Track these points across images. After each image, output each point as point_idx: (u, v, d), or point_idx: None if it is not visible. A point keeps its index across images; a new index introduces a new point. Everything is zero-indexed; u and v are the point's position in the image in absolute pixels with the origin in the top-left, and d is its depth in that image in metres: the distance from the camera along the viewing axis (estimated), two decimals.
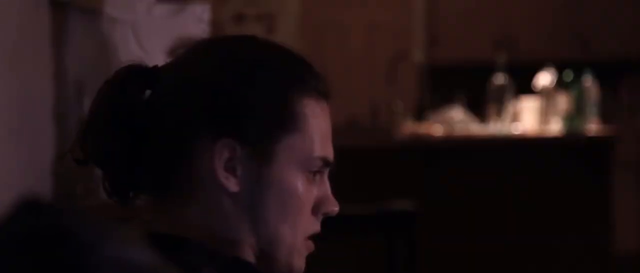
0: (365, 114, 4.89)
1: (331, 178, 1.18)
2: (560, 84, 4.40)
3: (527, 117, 4.48)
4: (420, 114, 4.65)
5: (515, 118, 4.47)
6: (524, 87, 4.61)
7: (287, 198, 1.12)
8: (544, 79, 4.46)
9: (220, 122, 1.10)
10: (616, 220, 4.42)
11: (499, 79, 4.39)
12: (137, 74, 1.14)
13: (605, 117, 4.90)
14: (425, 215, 4.00)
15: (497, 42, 6.45)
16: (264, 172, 1.11)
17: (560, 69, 4.49)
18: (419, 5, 6.63)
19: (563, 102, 4.35)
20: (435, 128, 4.48)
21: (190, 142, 1.10)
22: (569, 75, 4.41)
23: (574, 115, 4.32)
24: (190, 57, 1.16)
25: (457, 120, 4.50)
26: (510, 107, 4.40)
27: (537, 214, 4.28)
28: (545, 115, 4.42)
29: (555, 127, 4.39)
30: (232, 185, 1.10)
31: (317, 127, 1.17)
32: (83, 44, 2.42)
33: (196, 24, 2.12)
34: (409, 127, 4.48)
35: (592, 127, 4.44)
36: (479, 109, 4.81)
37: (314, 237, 1.17)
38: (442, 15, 6.65)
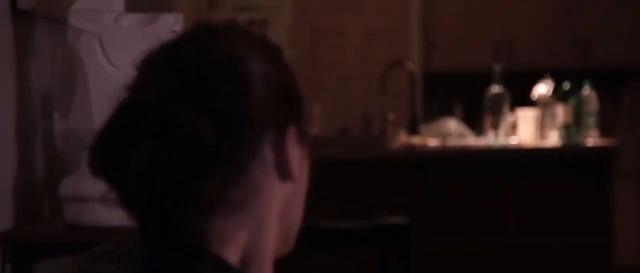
0: (359, 123, 4.77)
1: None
2: (559, 94, 4.28)
3: (524, 128, 4.37)
4: (415, 124, 4.53)
5: (512, 129, 4.37)
6: (522, 96, 4.50)
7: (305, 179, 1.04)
8: (542, 88, 4.34)
9: (283, 112, 0.99)
10: (617, 232, 4.31)
11: (496, 89, 4.27)
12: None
13: (605, 126, 4.78)
14: (420, 228, 3.91)
15: (495, 49, 6.35)
16: (303, 156, 1.02)
17: (559, 77, 4.37)
18: (416, 12, 6.51)
19: (561, 112, 4.23)
20: (430, 139, 4.36)
21: (257, 143, 0.96)
22: (567, 85, 4.28)
23: (573, 126, 4.20)
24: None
25: (453, 131, 4.38)
26: (507, 118, 4.28)
27: (535, 228, 4.16)
28: (543, 125, 4.31)
29: (553, 138, 4.27)
30: (293, 176, 0.99)
31: None
32: (51, 55, 2.30)
33: (168, 34, 1.98)
34: (404, 138, 4.37)
35: (591, 137, 4.32)
36: (476, 117, 4.70)
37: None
38: (439, 22, 6.54)
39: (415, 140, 4.30)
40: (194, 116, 0.93)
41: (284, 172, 0.98)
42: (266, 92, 0.97)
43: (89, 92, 2.00)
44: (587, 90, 4.35)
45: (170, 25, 2.04)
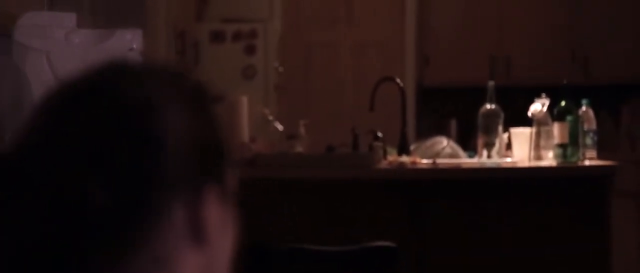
0: (349, 140, 4.61)
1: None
2: (556, 111, 4.13)
3: (518, 147, 4.22)
4: (405, 143, 4.38)
5: (506, 148, 4.22)
6: (520, 113, 4.36)
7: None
8: (537, 106, 4.19)
9: (200, 169, 0.85)
10: (616, 253, 4.18)
11: (489, 106, 4.12)
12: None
13: (604, 143, 4.65)
14: (408, 252, 3.77)
15: (491, 64, 6.22)
16: (226, 217, 0.88)
17: (557, 94, 4.21)
18: (410, 24, 6.36)
19: (557, 131, 4.08)
20: (420, 159, 4.21)
21: (164, 205, 0.81)
22: (564, 103, 4.13)
23: (569, 145, 4.05)
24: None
25: (444, 150, 4.24)
26: (500, 137, 4.12)
27: (530, 252, 4.01)
28: (538, 145, 4.16)
29: (548, 157, 4.12)
30: (209, 241, 0.85)
31: None
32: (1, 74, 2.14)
33: (125, 52, 1.83)
34: (393, 157, 4.22)
35: (589, 157, 4.17)
36: (471, 134, 4.57)
37: None
38: (434, 35, 6.39)
39: (405, 159, 4.14)
40: (85, 176, 0.78)
41: (197, 237, 0.83)
42: (179, 147, 0.82)
43: None
44: (585, 108, 4.22)
45: (127, 41, 1.89)
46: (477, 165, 4.11)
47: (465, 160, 4.32)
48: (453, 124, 5.66)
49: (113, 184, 0.78)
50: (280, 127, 4.54)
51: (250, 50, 5.16)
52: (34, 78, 1.85)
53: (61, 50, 1.85)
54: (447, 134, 5.36)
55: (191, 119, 0.84)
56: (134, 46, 1.89)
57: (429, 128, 6.01)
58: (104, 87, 0.84)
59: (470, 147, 4.56)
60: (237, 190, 0.90)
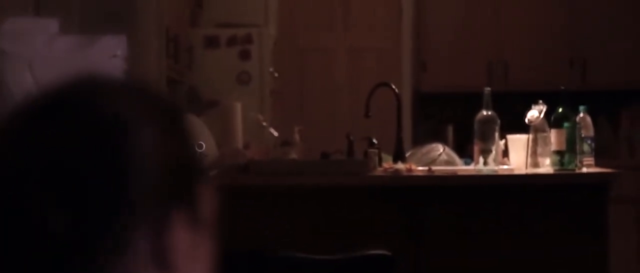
0: (344, 147, 4.56)
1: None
2: (553, 118, 4.08)
3: (515, 154, 4.17)
4: (401, 149, 4.34)
5: (503, 154, 4.17)
6: (515, 120, 4.32)
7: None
8: (534, 112, 4.14)
9: (168, 192, 0.79)
10: (615, 260, 4.14)
11: (485, 113, 4.07)
12: None
13: (603, 148, 4.60)
14: (404, 260, 3.72)
15: (489, 69, 6.17)
16: (197, 241, 0.82)
17: (554, 100, 4.16)
18: (407, 29, 6.32)
19: (554, 137, 4.03)
20: (416, 165, 4.17)
21: (128, 230, 0.77)
22: (562, 109, 4.08)
23: (566, 152, 4.00)
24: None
25: (439, 157, 4.19)
26: (497, 143, 4.07)
27: (527, 260, 3.96)
28: (535, 152, 4.11)
29: (546, 164, 4.07)
30: (175, 267, 0.80)
31: None
32: None
33: (108, 59, 1.78)
34: (388, 164, 4.17)
35: (586, 164, 4.12)
36: (468, 140, 4.53)
37: None
38: (431, 40, 6.35)
39: (401, 166, 4.09)
40: (44, 199, 0.73)
41: (162, 265, 0.78)
42: (147, 169, 0.77)
43: None
44: (582, 115, 4.17)
45: (111, 48, 1.84)
46: (474, 172, 4.06)
47: (462, 168, 4.28)
48: (450, 130, 5.62)
49: (74, 208, 0.74)
50: (275, 133, 4.49)
51: (245, 55, 5.11)
52: (15, 86, 1.80)
53: (43, 57, 1.81)
54: (444, 140, 5.32)
55: (162, 139, 0.80)
56: (118, 53, 1.84)
57: (426, 134, 5.97)
58: (69, 103, 0.79)
59: (467, 154, 4.51)
60: (217, 209, 0.86)
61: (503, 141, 4.19)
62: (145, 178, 0.77)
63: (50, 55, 1.82)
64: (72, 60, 1.82)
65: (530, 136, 4.13)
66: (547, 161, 4.07)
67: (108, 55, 1.83)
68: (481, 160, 4.01)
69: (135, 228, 0.76)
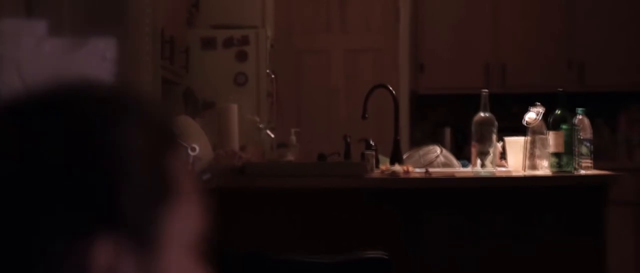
0: (341, 149, 4.54)
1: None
2: (551, 120, 4.06)
3: (513, 156, 4.14)
4: (398, 151, 4.31)
5: (500, 157, 4.15)
6: (512, 122, 4.29)
7: None
8: (532, 114, 4.12)
9: (87, 215, 0.72)
10: (613, 262, 4.11)
11: (483, 115, 4.04)
12: None
13: (601, 152, 4.58)
14: (402, 262, 3.70)
15: (487, 71, 6.15)
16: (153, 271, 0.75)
17: (552, 102, 4.14)
18: (404, 32, 6.30)
19: (552, 140, 4.01)
20: (413, 167, 4.14)
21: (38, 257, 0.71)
22: (559, 111, 4.06)
23: (564, 155, 3.98)
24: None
25: (437, 159, 4.16)
26: (494, 146, 4.04)
27: (524, 262, 3.94)
28: (533, 154, 4.09)
29: (544, 166, 4.04)
30: None
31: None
32: None
33: (98, 62, 1.76)
34: (385, 166, 4.14)
35: (585, 166, 4.10)
36: (466, 142, 4.51)
37: None
38: (429, 42, 6.33)
39: (398, 168, 4.07)
40: None
41: None
42: (65, 187, 0.71)
43: None
44: (580, 117, 4.15)
45: (100, 51, 1.82)
46: (471, 175, 4.03)
47: (459, 170, 4.25)
48: (448, 132, 5.59)
49: (24, 234, 0.70)
50: (271, 135, 4.46)
51: (241, 57, 5.09)
52: (3, 87, 1.78)
53: (32, 59, 1.79)
54: (442, 142, 5.29)
55: (79, 155, 0.73)
56: (107, 55, 1.82)
57: (423, 136, 5.95)
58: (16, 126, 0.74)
59: (464, 156, 4.49)
60: (207, 224, 0.81)
61: (501, 143, 4.16)
62: (62, 196, 0.71)
63: (39, 58, 1.80)
64: (60, 63, 1.80)
65: (528, 138, 4.11)
66: (545, 163, 4.04)
67: (98, 58, 1.80)
68: (479, 162, 3.99)
69: (51, 254, 0.71)
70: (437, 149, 4.33)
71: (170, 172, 0.76)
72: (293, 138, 4.25)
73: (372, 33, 6.38)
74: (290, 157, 4.14)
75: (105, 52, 1.84)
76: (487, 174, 3.98)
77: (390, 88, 4.68)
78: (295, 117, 6.23)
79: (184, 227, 0.77)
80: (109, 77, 1.73)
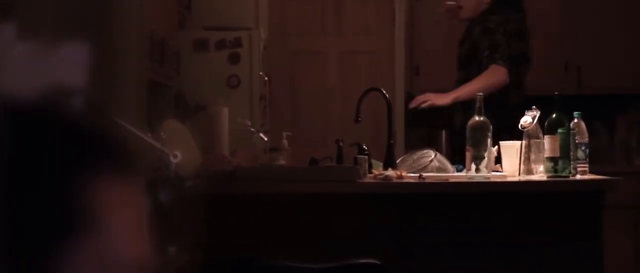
0: (334, 153, 4.48)
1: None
2: (547, 124, 4.00)
3: (508, 161, 4.09)
4: (391, 156, 4.25)
5: (496, 161, 4.09)
6: (508, 126, 4.24)
7: None
8: (528, 118, 4.06)
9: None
10: (611, 267, 4.06)
11: (477, 118, 3.98)
12: None
13: (599, 155, 4.53)
14: (395, 267, 3.65)
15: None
16: None
17: (549, 105, 4.08)
18: (400, 34, 6.24)
19: (548, 144, 3.95)
20: (406, 172, 4.08)
21: None
22: (555, 115, 4.00)
23: (560, 159, 3.92)
24: None
25: (431, 163, 4.10)
26: (489, 150, 3.98)
27: (520, 267, 3.88)
28: (529, 158, 4.03)
29: (540, 171, 3.99)
30: None
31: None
32: None
33: (70, 67, 1.70)
34: (378, 171, 4.08)
35: (581, 171, 4.04)
36: (461, 145, 4.45)
37: None
38: (424, 44, 6.27)
39: (391, 173, 4.00)
40: None
41: None
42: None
43: None
44: (576, 121, 4.09)
45: (72, 57, 1.76)
46: (465, 179, 3.97)
47: (453, 174, 4.19)
48: (443, 135, 5.53)
49: None
50: (264, 138, 4.40)
51: (234, 59, 5.02)
52: None
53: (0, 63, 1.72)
54: (437, 145, 5.23)
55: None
56: (80, 60, 1.75)
57: (419, 139, 5.89)
58: None
59: (460, 160, 4.43)
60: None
61: (495, 147, 4.10)
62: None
63: (7, 62, 1.74)
64: (31, 68, 1.74)
65: (524, 142, 4.05)
66: (541, 168, 3.99)
67: (70, 63, 1.74)
68: (473, 166, 3.93)
69: None
70: (431, 153, 4.27)
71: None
72: (285, 142, 4.18)
73: (367, 35, 6.32)
74: (282, 161, 4.07)
75: (77, 56, 1.77)
76: (482, 179, 3.92)
77: (384, 91, 4.62)
78: (290, 120, 6.17)
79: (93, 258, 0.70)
80: (81, 83, 1.66)
